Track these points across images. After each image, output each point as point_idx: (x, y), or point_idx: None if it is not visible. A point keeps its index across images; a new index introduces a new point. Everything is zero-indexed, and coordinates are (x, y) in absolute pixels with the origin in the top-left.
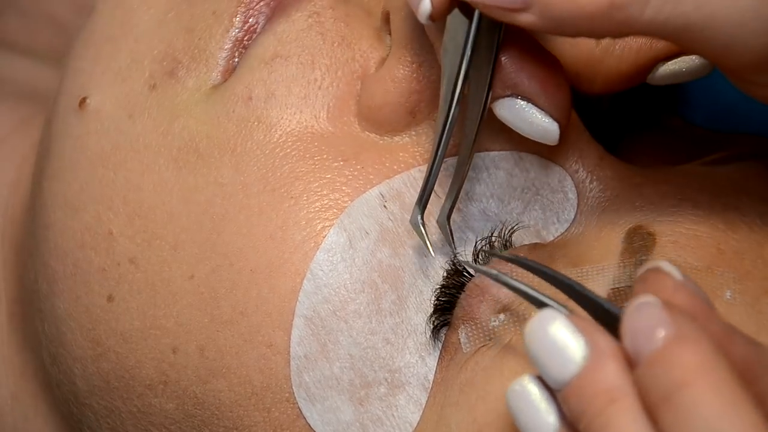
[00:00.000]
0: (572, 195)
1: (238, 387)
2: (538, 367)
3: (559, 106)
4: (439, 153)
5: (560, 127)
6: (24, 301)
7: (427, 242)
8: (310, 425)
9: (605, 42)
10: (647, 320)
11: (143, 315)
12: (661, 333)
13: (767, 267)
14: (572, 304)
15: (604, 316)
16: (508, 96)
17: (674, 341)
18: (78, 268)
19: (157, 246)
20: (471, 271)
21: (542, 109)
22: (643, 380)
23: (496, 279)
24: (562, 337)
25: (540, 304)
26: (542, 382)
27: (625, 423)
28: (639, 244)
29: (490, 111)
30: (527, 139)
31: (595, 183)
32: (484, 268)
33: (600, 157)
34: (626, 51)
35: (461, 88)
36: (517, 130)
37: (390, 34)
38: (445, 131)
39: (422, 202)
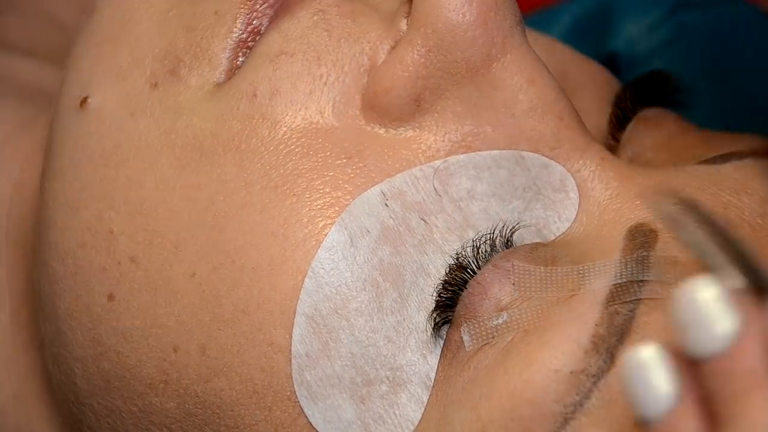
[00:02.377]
0: (574, 194)
1: (239, 386)
2: (684, 334)
3: None
4: None
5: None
6: (30, 302)
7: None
8: (311, 424)
9: None
10: None
11: (144, 314)
12: None
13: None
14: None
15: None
16: None
17: None
18: (78, 268)
19: (158, 244)
20: (473, 267)
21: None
22: None
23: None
24: (714, 309)
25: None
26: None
27: (762, 415)
28: (641, 240)
29: None
30: (528, 138)
31: (596, 182)
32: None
33: (601, 157)
34: None
35: None
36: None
37: (407, 17)
38: None
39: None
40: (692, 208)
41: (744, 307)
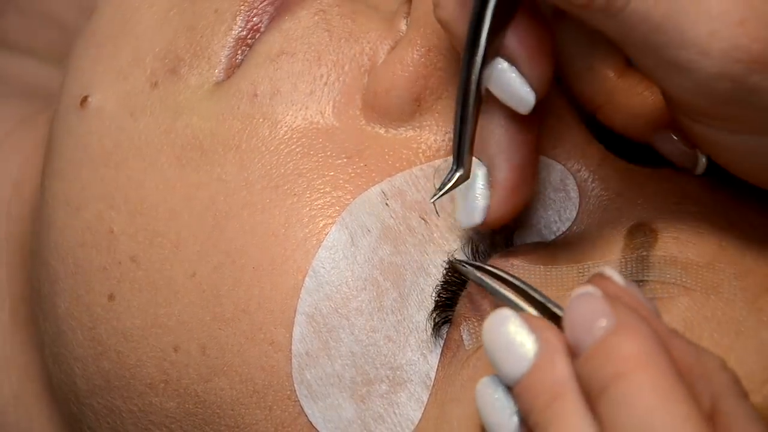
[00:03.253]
0: (574, 194)
1: (239, 385)
2: (495, 365)
3: (541, 77)
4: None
5: (536, 97)
6: (29, 301)
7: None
8: (311, 423)
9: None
10: (588, 310)
11: (144, 313)
12: (602, 323)
13: None
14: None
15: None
16: (494, 57)
17: (614, 331)
18: (79, 267)
19: (159, 244)
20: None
21: (523, 75)
22: (584, 372)
23: (476, 281)
24: (514, 336)
25: (505, 301)
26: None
27: (569, 418)
28: (641, 240)
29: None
30: None
31: (596, 182)
32: (472, 269)
33: (602, 157)
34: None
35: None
36: (493, 92)
37: (407, 17)
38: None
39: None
40: (488, 270)
41: (541, 328)
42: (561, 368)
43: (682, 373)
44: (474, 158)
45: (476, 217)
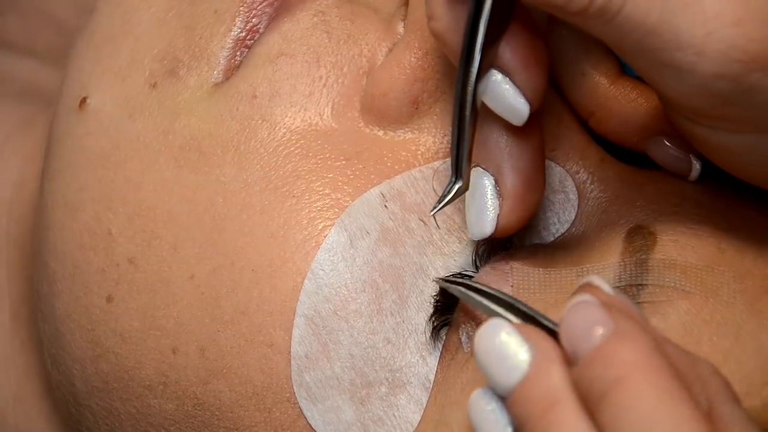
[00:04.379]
0: (573, 195)
1: (238, 387)
2: (487, 376)
3: (535, 88)
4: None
5: (530, 109)
6: (30, 302)
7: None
8: (311, 425)
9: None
10: (585, 318)
11: (143, 315)
12: (599, 330)
13: None
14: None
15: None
16: (489, 69)
17: (611, 338)
18: (77, 269)
19: (157, 246)
20: (472, 269)
21: (517, 87)
22: (582, 379)
23: (452, 291)
24: (507, 346)
25: (492, 313)
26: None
27: (567, 425)
28: (639, 243)
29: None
30: None
31: (595, 184)
32: (449, 282)
33: (601, 158)
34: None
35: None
36: (487, 104)
37: (404, 19)
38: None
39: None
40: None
41: (534, 338)
42: (557, 376)
43: (679, 377)
44: (480, 168)
45: (487, 228)
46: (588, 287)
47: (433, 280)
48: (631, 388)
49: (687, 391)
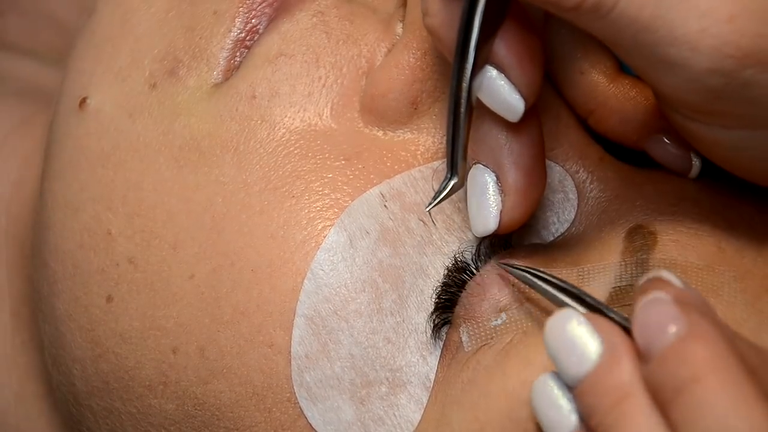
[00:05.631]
0: (572, 195)
1: (238, 387)
2: (556, 364)
3: (530, 84)
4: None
5: (526, 105)
6: (30, 302)
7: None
8: (311, 425)
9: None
10: (659, 315)
11: (143, 315)
12: (673, 329)
13: None
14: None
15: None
16: (484, 65)
17: (686, 336)
18: (77, 269)
19: (157, 246)
20: (472, 269)
21: (512, 83)
22: (655, 376)
23: (518, 277)
24: (580, 335)
25: (559, 303)
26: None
27: (637, 419)
28: (640, 243)
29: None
30: None
31: (595, 183)
32: (513, 266)
33: (600, 158)
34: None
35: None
36: (483, 101)
37: (402, 20)
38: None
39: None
40: (533, 271)
41: (606, 330)
42: (628, 369)
43: (753, 376)
44: (481, 165)
45: (490, 224)
46: (659, 282)
47: (498, 263)
48: (707, 387)
49: (762, 392)
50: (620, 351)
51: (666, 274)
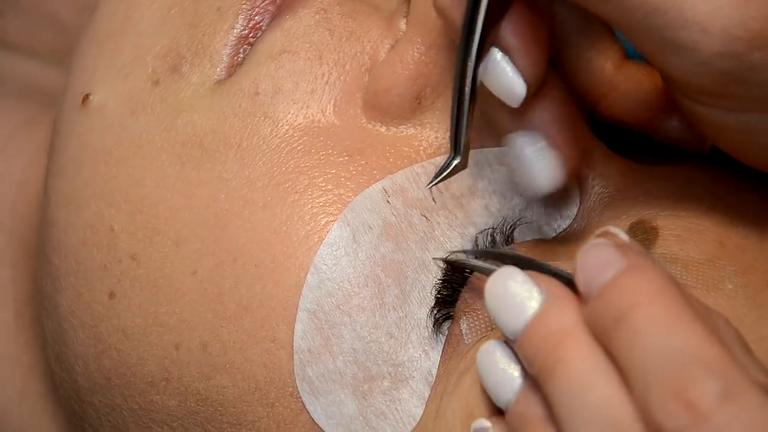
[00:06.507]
0: (575, 191)
1: (241, 382)
2: (497, 322)
3: (533, 67)
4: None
5: (527, 90)
6: (34, 300)
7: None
8: (313, 419)
9: (625, 66)
10: (599, 258)
11: (145, 312)
12: (612, 266)
13: None
14: None
15: None
16: (490, 48)
17: (625, 270)
18: (80, 265)
19: (159, 242)
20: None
21: (516, 66)
22: (595, 312)
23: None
24: (519, 289)
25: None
26: (508, 344)
27: (578, 356)
28: (641, 238)
29: None
30: None
31: (597, 179)
32: (476, 261)
33: (603, 154)
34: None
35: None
36: (485, 84)
37: (406, 16)
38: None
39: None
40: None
41: (545, 281)
42: (568, 313)
43: (694, 309)
44: (521, 134)
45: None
46: (604, 233)
47: (434, 259)
48: (646, 312)
49: (701, 318)
50: (560, 298)
51: (613, 229)
